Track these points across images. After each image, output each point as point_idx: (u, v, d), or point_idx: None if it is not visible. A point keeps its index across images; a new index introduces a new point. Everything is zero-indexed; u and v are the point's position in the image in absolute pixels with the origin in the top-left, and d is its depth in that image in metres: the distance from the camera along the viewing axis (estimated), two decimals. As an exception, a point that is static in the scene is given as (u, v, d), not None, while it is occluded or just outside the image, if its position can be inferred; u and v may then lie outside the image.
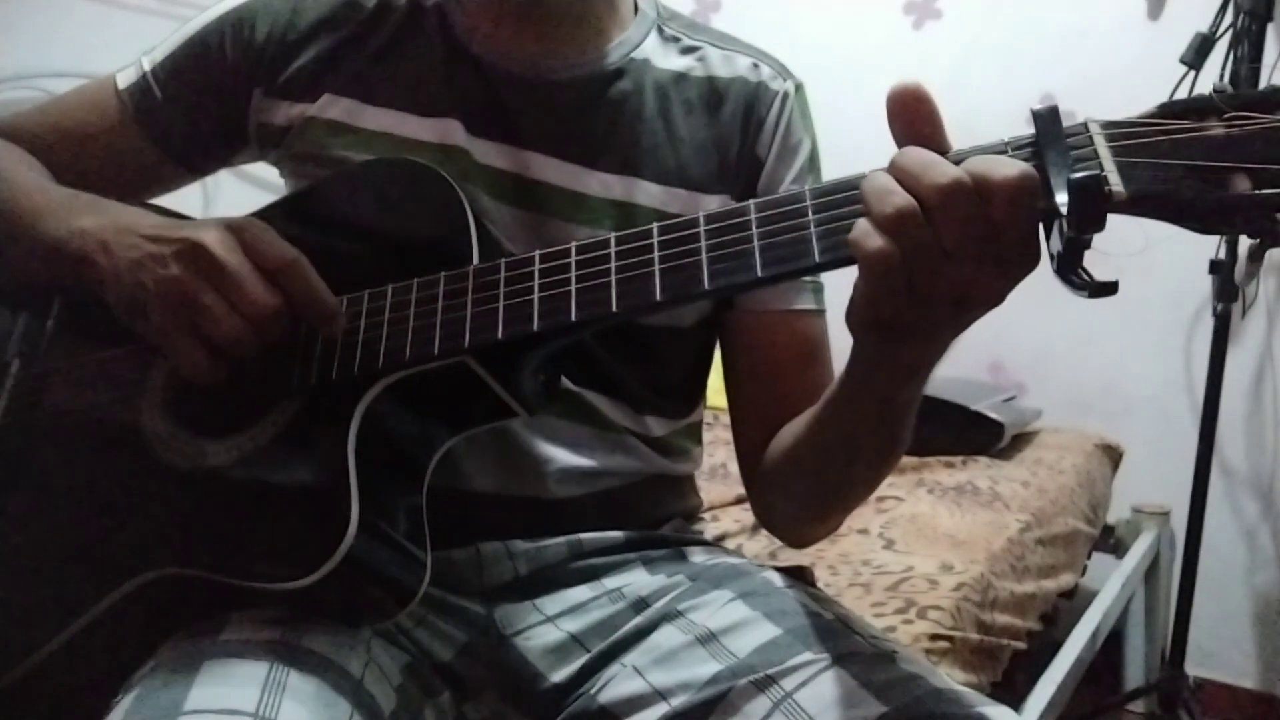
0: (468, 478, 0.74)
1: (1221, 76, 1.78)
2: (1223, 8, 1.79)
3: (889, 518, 1.45)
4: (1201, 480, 1.83)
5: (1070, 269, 0.49)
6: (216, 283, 0.62)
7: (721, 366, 0.84)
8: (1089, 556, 1.81)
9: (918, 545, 1.33)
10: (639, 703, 0.67)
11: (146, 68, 0.81)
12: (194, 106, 0.80)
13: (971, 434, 1.83)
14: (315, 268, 0.64)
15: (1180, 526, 1.90)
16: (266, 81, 0.79)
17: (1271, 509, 2.03)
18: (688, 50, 0.83)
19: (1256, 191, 0.47)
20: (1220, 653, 2.06)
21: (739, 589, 0.73)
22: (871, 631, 0.69)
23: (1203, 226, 0.50)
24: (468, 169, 0.75)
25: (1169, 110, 0.50)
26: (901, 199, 0.49)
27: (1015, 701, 1.27)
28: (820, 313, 0.82)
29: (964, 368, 2.07)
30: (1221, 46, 1.79)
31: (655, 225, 0.59)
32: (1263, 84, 1.75)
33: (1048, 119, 0.51)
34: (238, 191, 1.83)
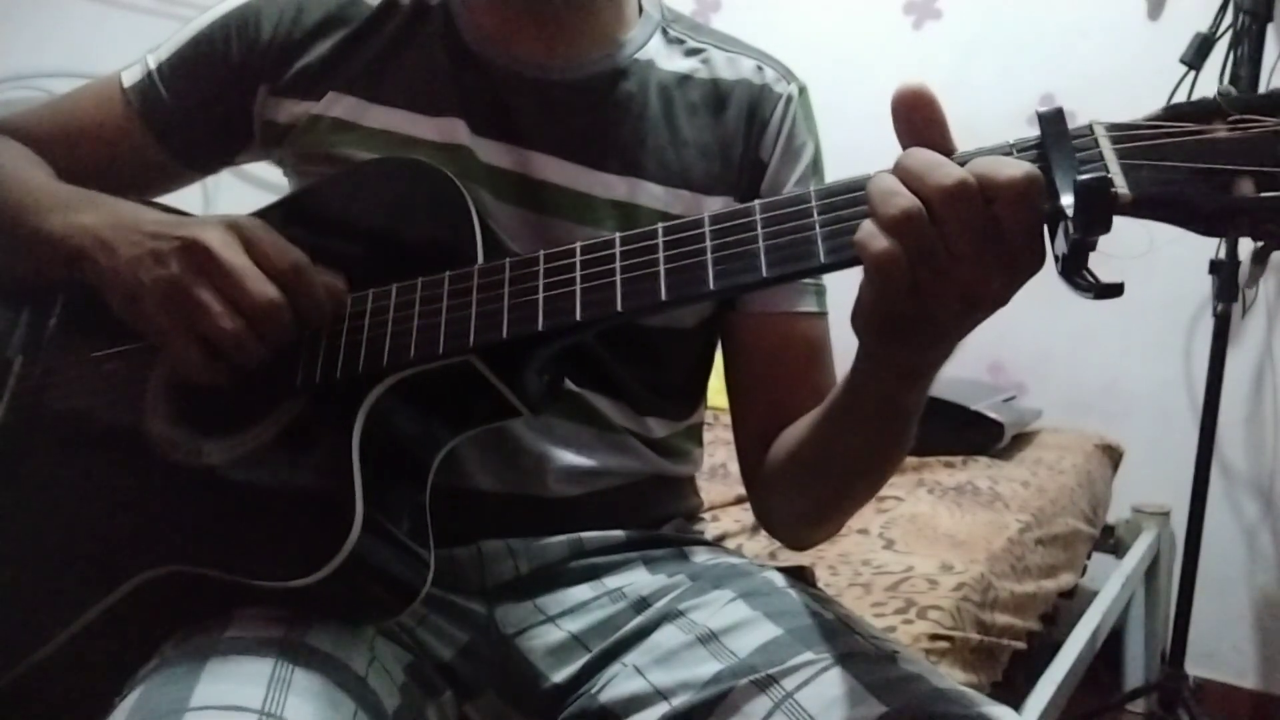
0: (469, 476, 0.74)
1: (1221, 76, 1.78)
2: (1223, 8, 1.79)
3: (889, 518, 1.45)
4: (1201, 480, 1.83)
5: (1075, 270, 0.49)
6: (215, 281, 0.61)
7: (723, 368, 0.84)
8: (1089, 556, 1.81)
9: (918, 545, 1.33)
10: (640, 702, 0.67)
11: (152, 66, 0.81)
12: (199, 104, 0.80)
13: (971, 434, 1.83)
14: (318, 266, 0.64)
15: (1180, 526, 1.90)
16: (271, 79, 0.79)
17: (1271, 509, 2.03)
18: (692, 52, 0.83)
19: (1260, 194, 0.47)
20: (1220, 653, 2.06)
21: (740, 589, 0.73)
22: (872, 632, 0.69)
23: (1206, 229, 0.50)
24: (471, 168, 0.75)
25: (1174, 113, 0.50)
26: (906, 200, 0.49)
27: (1015, 701, 1.27)
28: (823, 315, 0.82)
29: (964, 368, 2.07)
30: (1221, 46, 1.79)
31: (660, 226, 0.59)
32: (1263, 84, 1.75)
33: (1053, 121, 0.51)
34: (238, 191, 1.83)
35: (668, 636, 0.71)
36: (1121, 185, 0.48)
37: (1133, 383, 2.13)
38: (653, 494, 0.83)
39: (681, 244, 0.58)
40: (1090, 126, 0.51)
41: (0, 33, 1.64)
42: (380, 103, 0.77)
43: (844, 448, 0.68)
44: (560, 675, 0.73)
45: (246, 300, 0.61)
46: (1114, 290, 0.48)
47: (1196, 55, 1.80)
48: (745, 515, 1.41)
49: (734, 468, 1.64)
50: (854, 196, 0.53)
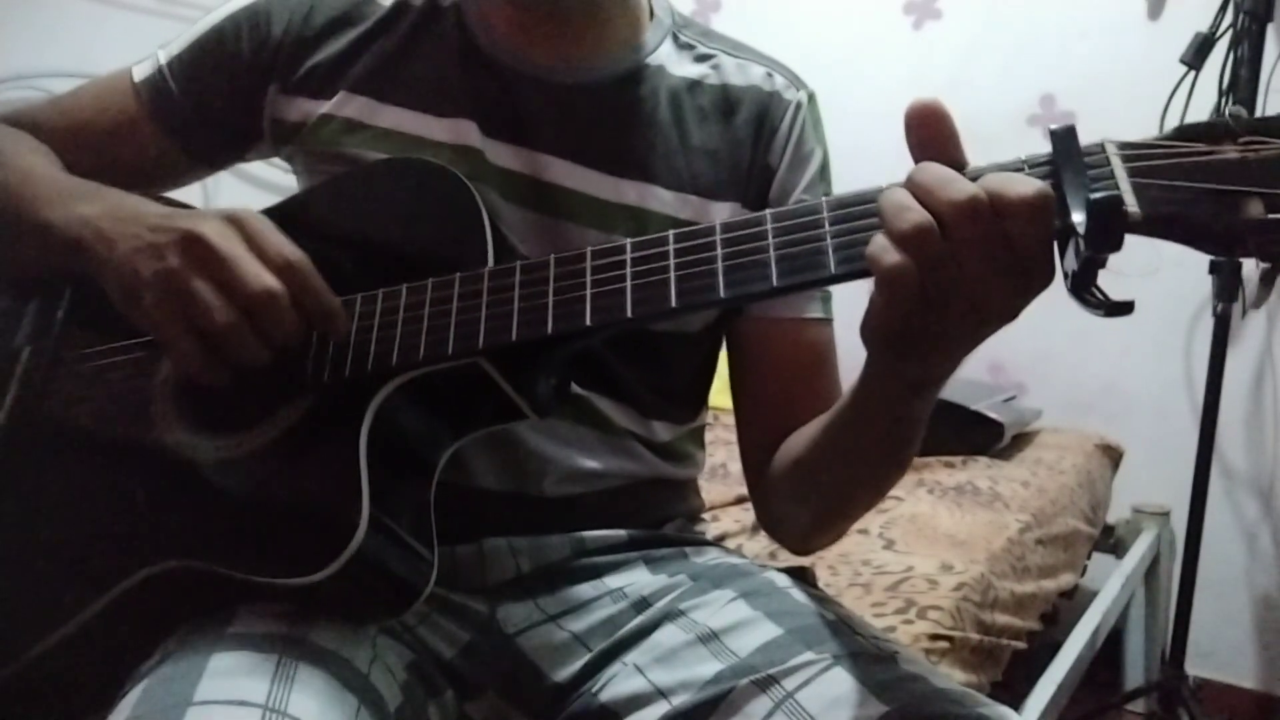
0: (472, 475, 0.75)
1: (1221, 76, 1.78)
2: (1223, 8, 1.79)
3: (889, 518, 1.45)
4: (1201, 480, 1.83)
5: (1084, 287, 0.49)
6: (212, 273, 0.61)
7: (728, 372, 0.84)
8: (1089, 556, 1.81)
9: (918, 545, 1.33)
10: (640, 701, 0.68)
11: (163, 61, 0.81)
12: (209, 101, 0.80)
13: (971, 434, 1.83)
14: (328, 265, 0.64)
15: (1180, 526, 1.90)
16: (282, 77, 0.79)
17: (1271, 509, 2.03)
18: (702, 58, 0.83)
19: (1269, 216, 0.48)
20: (1220, 653, 2.06)
21: (741, 589, 0.73)
22: (873, 632, 0.69)
23: (1215, 249, 0.50)
24: (481, 170, 0.75)
25: (1185, 133, 0.50)
26: (919, 215, 0.49)
27: (1015, 701, 1.27)
28: (828, 322, 0.82)
29: (964, 368, 2.05)
30: (1221, 46, 1.79)
31: (671, 233, 0.59)
32: (1262, 84, 1.75)
33: (1065, 138, 0.51)
34: (237, 191, 1.83)
35: (668, 636, 0.71)
36: (1131, 204, 0.49)
37: (1133, 383, 2.13)
38: (655, 496, 0.83)
39: (692, 251, 0.58)
40: (1102, 144, 0.51)
41: (0, 33, 1.64)
42: (391, 103, 0.77)
43: (850, 456, 0.69)
44: (561, 675, 0.73)
45: (243, 292, 0.60)
46: (1124, 308, 0.49)
47: (1196, 55, 1.80)
48: (745, 515, 1.41)
49: (734, 468, 1.65)
50: (865, 209, 0.54)
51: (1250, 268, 1.80)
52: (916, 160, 0.52)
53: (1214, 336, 1.83)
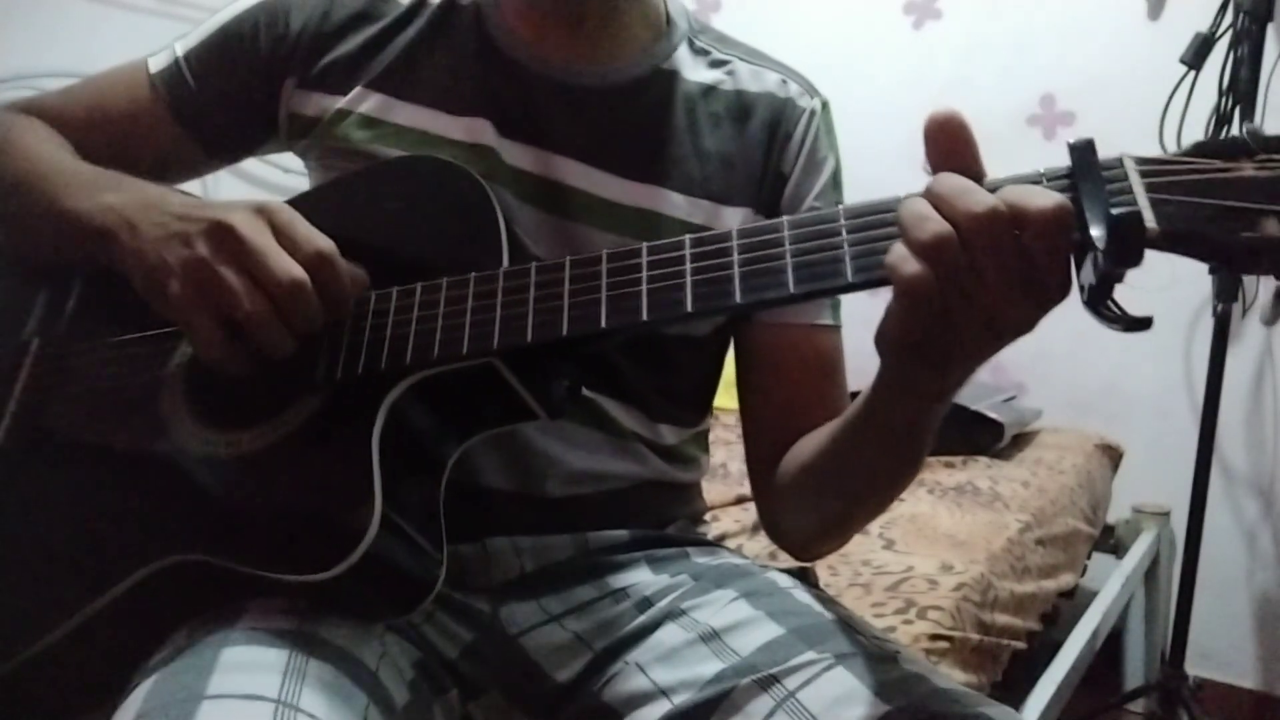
0: (477, 473, 0.75)
1: (1221, 76, 1.78)
2: (1223, 8, 1.79)
3: (889, 518, 1.44)
4: (1201, 480, 1.83)
5: (1101, 301, 0.49)
6: (240, 262, 0.61)
7: (736, 375, 0.84)
8: (1089, 556, 1.81)
9: (918, 545, 1.33)
10: (642, 700, 0.68)
11: (179, 53, 0.81)
12: (225, 94, 0.80)
13: (971, 434, 1.83)
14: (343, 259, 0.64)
15: (1180, 526, 1.90)
16: (299, 72, 0.79)
17: (1271, 509, 2.03)
18: (717, 64, 0.83)
19: None
20: (1220, 653, 2.06)
21: (742, 588, 0.73)
22: (874, 632, 0.70)
23: (1230, 266, 0.50)
24: (496, 169, 0.75)
25: (1202, 149, 0.51)
26: (939, 225, 0.49)
27: (1015, 701, 1.27)
28: (837, 329, 0.82)
29: (964, 368, 2.07)
30: (1221, 46, 1.79)
31: (687, 237, 0.59)
32: (1262, 84, 1.75)
33: (1084, 151, 0.51)
34: (237, 190, 1.83)
35: (670, 635, 0.71)
36: (1150, 219, 0.49)
37: (1133, 383, 2.13)
38: (659, 498, 0.83)
39: (708, 256, 0.58)
40: (1120, 159, 0.51)
41: (0, 33, 1.64)
42: (407, 100, 0.77)
43: (859, 464, 0.69)
44: (563, 675, 0.73)
45: (271, 281, 0.60)
46: (1143, 323, 0.49)
47: (1196, 55, 1.80)
48: (745, 515, 1.41)
49: (734, 467, 1.65)
50: (883, 218, 0.54)
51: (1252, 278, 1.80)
52: (935, 171, 0.52)
53: (1214, 336, 1.83)
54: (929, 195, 0.51)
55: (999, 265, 0.49)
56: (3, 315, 0.78)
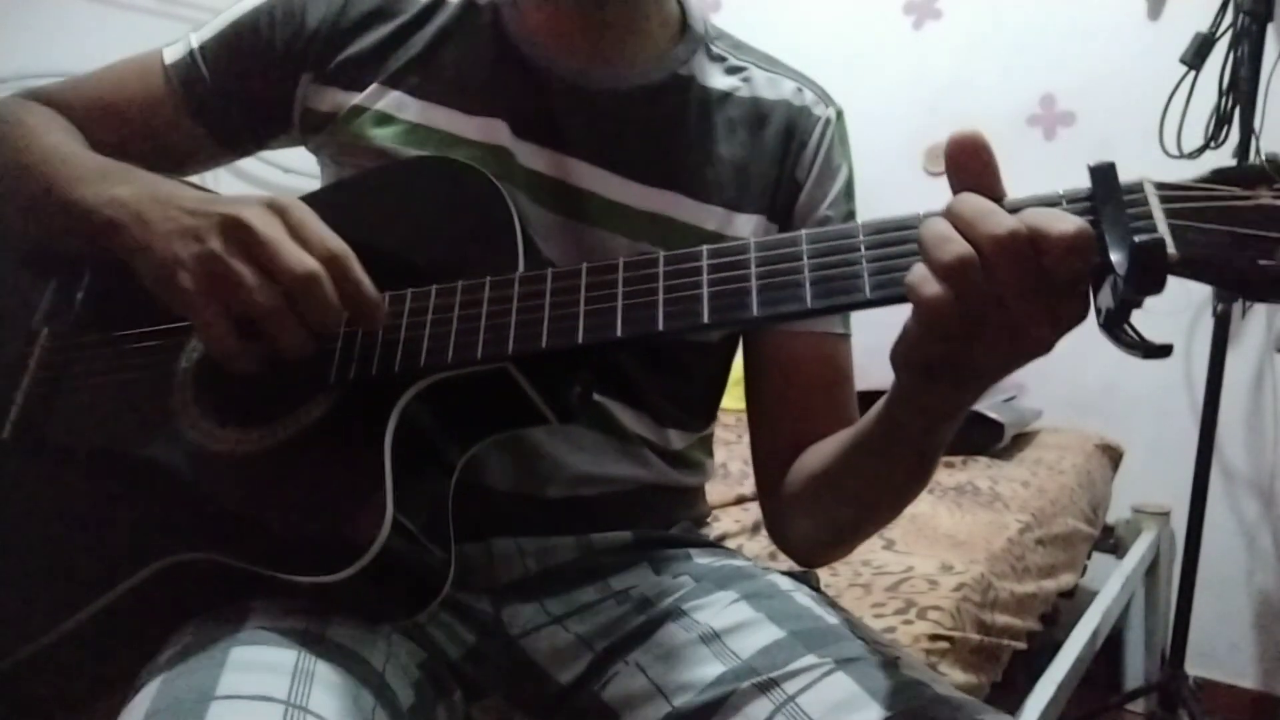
0: (482, 474, 0.74)
1: (1221, 76, 1.78)
2: (1223, 8, 1.79)
3: (889, 518, 1.44)
4: (1201, 480, 1.83)
5: (1118, 325, 0.49)
6: (253, 255, 0.60)
7: (744, 380, 0.84)
8: (1089, 556, 1.81)
9: (918, 545, 1.33)
10: (641, 700, 0.68)
11: (194, 45, 0.80)
12: (240, 87, 0.80)
13: (971, 434, 1.83)
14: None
15: (1180, 526, 1.90)
16: (316, 68, 0.78)
17: (1271, 509, 2.03)
18: (733, 70, 0.83)
19: None
20: (1220, 653, 2.06)
21: (743, 590, 0.73)
22: (875, 636, 0.69)
23: (1245, 293, 0.50)
24: (510, 170, 0.75)
25: (1221, 176, 0.51)
26: (961, 247, 0.49)
27: (1015, 701, 1.27)
28: (847, 336, 0.82)
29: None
30: (1221, 46, 1.79)
31: (705, 248, 0.59)
32: (1262, 84, 1.75)
33: (1105, 175, 0.51)
34: (236, 190, 1.83)
35: (670, 635, 0.71)
36: (1170, 246, 0.49)
37: (1133, 383, 2.13)
38: (663, 502, 0.83)
39: (726, 268, 0.58)
40: (1140, 184, 0.51)
41: (0, 33, 1.64)
42: (423, 98, 0.77)
43: (869, 477, 0.69)
44: (566, 677, 0.73)
45: (284, 274, 0.59)
46: (1162, 351, 0.49)
47: (1196, 55, 1.80)
48: (745, 515, 1.41)
49: (734, 468, 1.65)
50: (902, 235, 0.54)
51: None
52: (955, 190, 0.52)
53: (1214, 337, 1.83)
54: (950, 215, 0.50)
55: (1019, 288, 0.49)
56: (10, 304, 0.77)
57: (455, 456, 0.67)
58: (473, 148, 0.75)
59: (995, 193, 0.52)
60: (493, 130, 0.76)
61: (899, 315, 0.53)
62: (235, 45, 0.80)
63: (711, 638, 0.68)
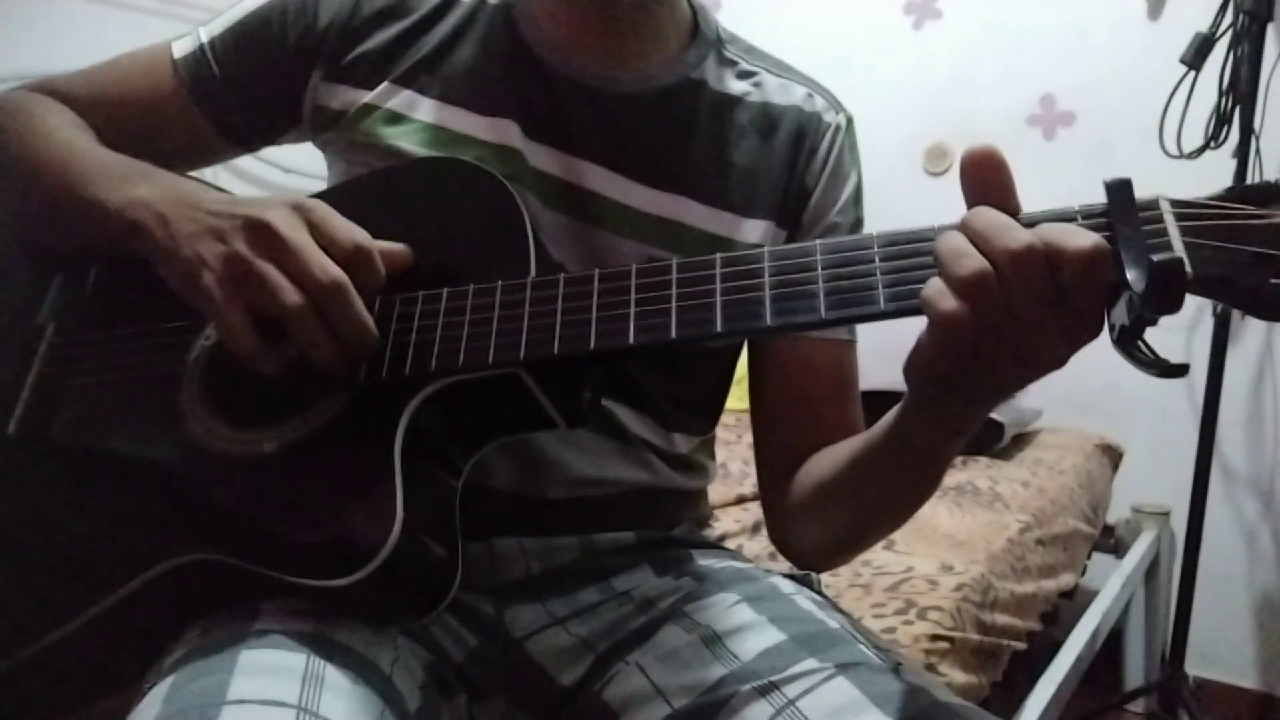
0: (486, 474, 0.74)
1: (1221, 76, 1.78)
2: (1223, 8, 1.79)
3: (889, 518, 1.44)
4: (1201, 480, 1.83)
5: (1132, 342, 0.49)
6: (280, 259, 0.60)
7: (749, 384, 0.84)
8: (1089, 556, 1.81)
9: (918, 545, 1.33)
10: (641, 701, 0.67)
11: (204, 39, 0.80)
12: (250, 84, 0.79)
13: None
14: (379, 241, 0.63)
15: (1180, 526, 1.90)
16: (327, 65, 0.78)
17: (1271, 509, 2.03)
18: (745, 75, 0.83)
19: None
20: (1220, 653, 2.06)
21: (745, 592, 0.73)
22: (876, 641, 0.69)
23: (1259, 311, 0.50)
24: (521, 171, 0.75)
25: (1236, 194, 0.51)
26: (977, 262, 0.49)
27: (1015, 701, 1.27)
28: (853, 343, 0.82)
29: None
30: (1221, 46, 1.79)
31: (719, 256, 0.59)
32: (1262, 84, 1.75)
33: (1120, 191, 0.51)
34: (236, 189, 1.83)
35: (671, 636, 0.71)
36: (1187, 265, 0.49)
37: (1133, 383, 2.13)
38: (666, 504, 0.83)
39: (739, 276, 0.58)
40: (1156, 201, 0.51)
41: (0, 33, 1.64)
42: (434, 97, 0.77)
43: (876, 486, 0.69)
44: (568, 678, 0.73)
45: (310, 278, 0.59)
46: (1178, 370, 0.49)
47: (1196, 55, 1.80)
48: (745, 515, 1.41)
49: (734, 468, 1.65)
50: (917, 247, 0.54)
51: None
52: (970, 205, 0.52)
53: (1214, 337, 1.83)
54: (966, 230, 0.50)
55: (1034, 303, 0.49)
56: (15, 299, 0.77)
57: (463, 459, 0.66)
58: (483, 148, 0.75)
59: (1010, 207, 0.52)
60: (504, 131, 0.76)
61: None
62: (246, 40, 0.79)
63: (713, 640, 0.68)
